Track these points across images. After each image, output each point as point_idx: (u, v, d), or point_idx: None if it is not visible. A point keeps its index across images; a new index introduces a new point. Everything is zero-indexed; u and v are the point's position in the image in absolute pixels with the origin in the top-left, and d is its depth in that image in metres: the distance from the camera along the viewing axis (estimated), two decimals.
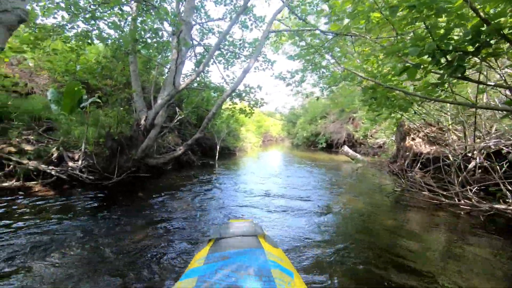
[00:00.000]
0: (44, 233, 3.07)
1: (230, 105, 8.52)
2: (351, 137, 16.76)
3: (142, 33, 4.40)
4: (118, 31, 4.69)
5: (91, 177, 5.00)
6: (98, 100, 6.30)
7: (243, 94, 8.02)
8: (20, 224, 3.25)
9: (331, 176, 7.91)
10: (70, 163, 5.08)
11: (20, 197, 4.19)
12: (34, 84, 8.27)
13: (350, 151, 11.48)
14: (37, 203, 4.01)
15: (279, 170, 8.74)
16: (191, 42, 6.25)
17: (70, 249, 2.75)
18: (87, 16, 4.89)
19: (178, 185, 5.64)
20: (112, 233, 3.18)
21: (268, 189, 5.77)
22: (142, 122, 5.49)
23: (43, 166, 4.81)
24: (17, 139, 5.09)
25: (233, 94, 8.20)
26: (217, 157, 9.44)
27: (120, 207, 4.14)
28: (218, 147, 9.51)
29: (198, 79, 8.04)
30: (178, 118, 6.78)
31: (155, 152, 7.01)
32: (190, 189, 5.40)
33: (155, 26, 4.51)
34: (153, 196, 4.82)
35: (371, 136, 14.74)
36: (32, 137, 5.36)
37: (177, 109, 7.27)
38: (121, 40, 4.96)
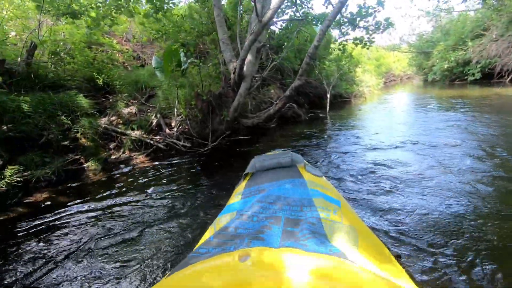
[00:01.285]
0: (143, 207, 2.80)
1: (340, 38, 6.54)
2: None
3: None
4: None
5: (187, 145, 4.59)
6: (195, 60, 5.78)
7: (357, 19, 5.87)
8: (121, 199, 3.01)
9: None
10: (167, 130, 4.81)
11: (125, 168, 4.13)
12: (146, 56, 8.71)
13: None
14: (138, 174, 3.82)
15: (415, 120, 6.35)
16: None
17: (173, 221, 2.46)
18: None
19: (280, 148, 4.60)
20: (201, 208, 2.72)
21: (404, 151, 3.93)
22: (232, 75, 4.54)
23: (144, 136, 4.70)
24: (123, 111, 5.18)
25: (344, 21, 6.15)
26: (328, 107, 7.83)
27: (214, 177, 3.53)
28: (328, 96, 7.83)
29: (292, 11, 6.36)
30: (272, 64, 5.47)
31: (255, 110, 6.14)
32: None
33: None
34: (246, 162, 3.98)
35: None
36: (136, 107, 5.38)
37: (270, 54, 5.95)
38: None
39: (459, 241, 1.83)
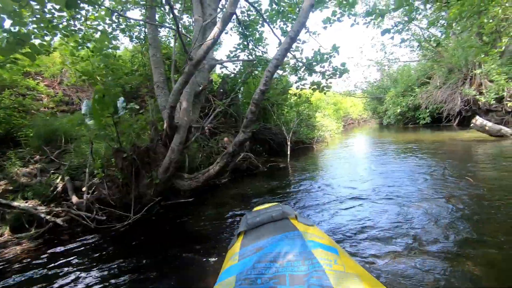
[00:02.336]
0: None
1: (297, 83, 6.08)
2: (470, 103, 12.08)
3: None
4: None
5: (101, 218, 3.38)
6: (136, 106, 4.80)
7: (314, 64, 5.49)
8: None
9: (473, 170, 4.64)
10: (75, 198, 3.58)
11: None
12: (79, 100, 7.56)
13: (489, 123, 7.56)
14: (15, 271, 2.48)
15: (377, 167, 5.79)
16: None
17: None
18: None
19: (228, 215, 3.57)
20: None
21: (370, 202, 3.20)
22: (165, 125, 3.60)
23: (37, 208, 3.40)
24: (18, 171, 3.89)
25: (300, 66, 5.75)
26: (288, 156, 7.11)
27: (135, 264, 2.33)
28: (289, 143, 7.16)
29: (245, 54, 5.85)
30: (216, 111, 4.65)
31: (203, 163, 5.15)
32: None
33: None
34: (189, 239, 2.87)
35: (509, 97, 10.05)
36: (40, 166, 4.10)
37: (212, 99, 5.18)
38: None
39: None
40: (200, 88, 3.38)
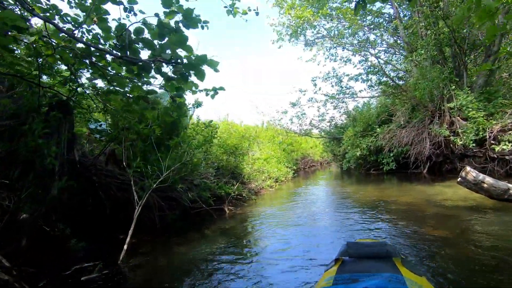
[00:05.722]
0: None
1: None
2: (441, 146, 9.63)
3: None
4: None
5: None
6: None
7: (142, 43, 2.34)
8: None
9: None
10: None
11: None
12: None
13: (489, 179, 4.67)
14: None
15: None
16: None
17: None
18: None
19: None
20: None
21: None
22: None
23: None
24: None
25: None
26: (126, 247, 3.49)
27: None
28: (135, 216, 3.60)
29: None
30: None
31: None
32: None
33: None
34: None
35: (493, 139, 7.63)
36: None
37: None
38: None
39: None
40: None
